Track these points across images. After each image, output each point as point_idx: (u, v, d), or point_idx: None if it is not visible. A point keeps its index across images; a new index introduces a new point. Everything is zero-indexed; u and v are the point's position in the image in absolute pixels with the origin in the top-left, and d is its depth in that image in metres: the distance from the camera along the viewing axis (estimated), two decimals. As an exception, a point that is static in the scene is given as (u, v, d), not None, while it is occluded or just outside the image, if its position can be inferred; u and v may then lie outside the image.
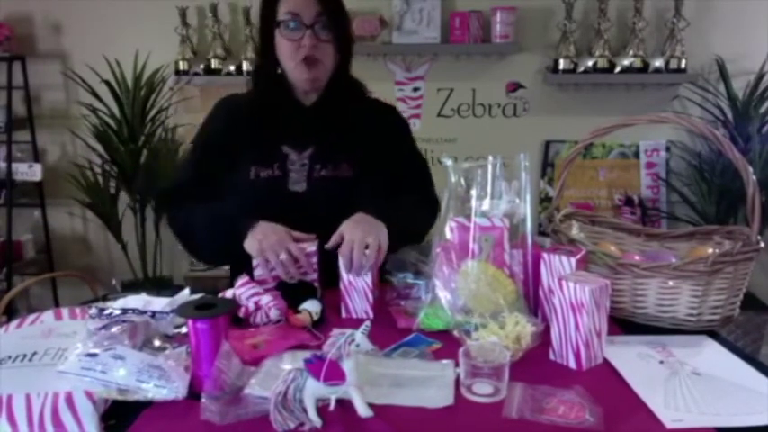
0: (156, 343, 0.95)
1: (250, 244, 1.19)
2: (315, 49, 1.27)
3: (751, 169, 1.00)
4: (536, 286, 1.08)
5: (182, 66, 2.84)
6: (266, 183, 1.33)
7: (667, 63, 2.66)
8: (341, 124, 1.36)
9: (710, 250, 1.10)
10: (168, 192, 1.43)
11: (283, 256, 1.15)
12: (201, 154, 1.41)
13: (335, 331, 1.03)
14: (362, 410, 0.76)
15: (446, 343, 1.00)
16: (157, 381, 0.81)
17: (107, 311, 0.97)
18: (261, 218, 1.28)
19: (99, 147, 2.78)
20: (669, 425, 0.76)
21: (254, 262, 1.18)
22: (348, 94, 1.38)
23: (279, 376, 0.80)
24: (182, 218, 1.36)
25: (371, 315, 1.13)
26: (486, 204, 1.07)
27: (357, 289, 1.13)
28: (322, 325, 1.09)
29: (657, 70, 2.67)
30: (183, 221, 1.36)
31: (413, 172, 1.43)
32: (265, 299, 1.10)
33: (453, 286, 1.04)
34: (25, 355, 0.87)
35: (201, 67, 2.83)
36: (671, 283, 1.03)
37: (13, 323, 0.99)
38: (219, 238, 1.26)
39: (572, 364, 0.93)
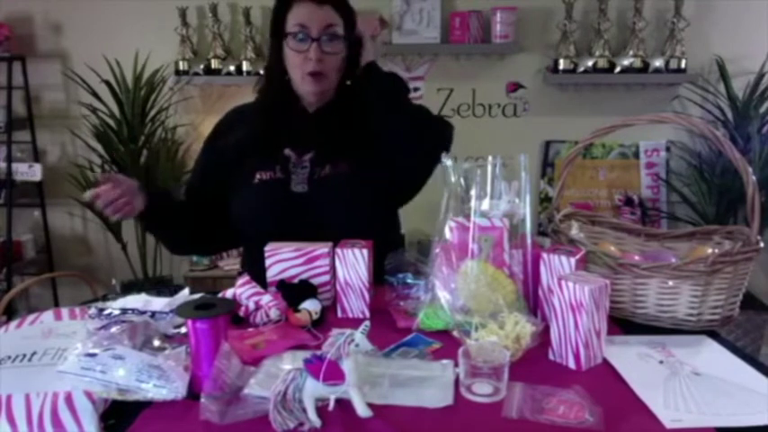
0: (156, 343, 0.95)
1: None
2: (320, 63, 1.28)
3: (751, 169, 1.00)
4: (535, 286, 1.08)
5: (182, 66, 2.84)
6: (269, 185, 1.34)
7: (667, 63, 2.66)
8: (342, 128, 1.36)
9: (710, 250, 1.10)
10: None
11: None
12: (207, 161, 1.43)
13: (335, 331, 1.03)
14: (362, 410, 0.76)
15: (445, 343, 1.00)
16: (157, 381, 0.81)
17: (106, 311, 0.97)
18: (265, 219, 1.31)
19: (99, 147, 2.78)
20: (669, 425, 0.76)
21: None
22: (352, 102, 1.38)
23: (278, 376, 0.80)
24: None
25: (368, 315, 1.13)
26: (485, 204, 1.07)
27: (353, 288, 1.13)
28: (321, 325, 1.09)
29: (657, 70, 2.67)
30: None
31: None
32: (265, 299, 1.10)
33: (453, 286, 1.04)
34: (25, 355, 0.87)
35: (201, 67, 2.83)
36: (671, 283, 1.02)
37: (13, 323, 0.99)
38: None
39: (571, 365, 0.93)
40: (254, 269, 1.20)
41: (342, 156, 1.35)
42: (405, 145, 1.30)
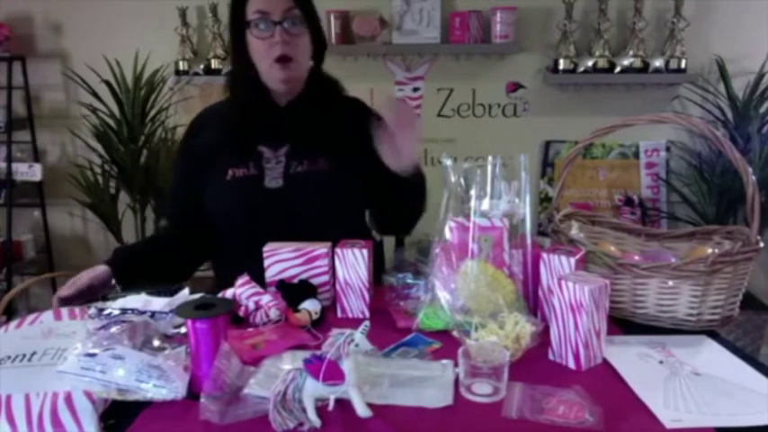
0: (156, 343, 0.95)
1: None
2: (287, 45, 1.27)
3: (751, 169, 1.00)
4: (535, 286, 1.08)
5: (182, 66, 2.84)
6: (242, 181, 1.34)
7: (667, 63, 2.66)
8: (316, 122, 1.35)
9: (710, 250, 1.10)
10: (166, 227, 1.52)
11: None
12: (183, 163, 1.44)
13: (335, 331, 1.03)
14: (362, 410, 0.76)
15: (445, 343, 1.00)
16: (157, 381, 0.81)
17: (106, 311, 0.97)
18: (238, 215, 1.33)
19: (99, 147, 2.78)
20: (669, 425, 0.76)
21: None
22: (323, 93, 1.38)
23: (278, 376, 0.80)
24: None
25: (368, 315, 1.13)
26: (485, 204, 1.07)
27: (353, 288, 1.13)
28: (321, 325, 1.09)
29: (657, 70, 2.66)
30: None
31: None
32: (265, 298, 1.10)
33: (453, 286, 1.04)
34: (25, 355, 0.87)
35: (201, 67, 2.83)
36: (671, 283, 1.02)
37: (13, 323, 0.99)
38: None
39: (571, 365, 0.93)
40: (230, 268, 1.19)
41: (319, 151, 1.34)
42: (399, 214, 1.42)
